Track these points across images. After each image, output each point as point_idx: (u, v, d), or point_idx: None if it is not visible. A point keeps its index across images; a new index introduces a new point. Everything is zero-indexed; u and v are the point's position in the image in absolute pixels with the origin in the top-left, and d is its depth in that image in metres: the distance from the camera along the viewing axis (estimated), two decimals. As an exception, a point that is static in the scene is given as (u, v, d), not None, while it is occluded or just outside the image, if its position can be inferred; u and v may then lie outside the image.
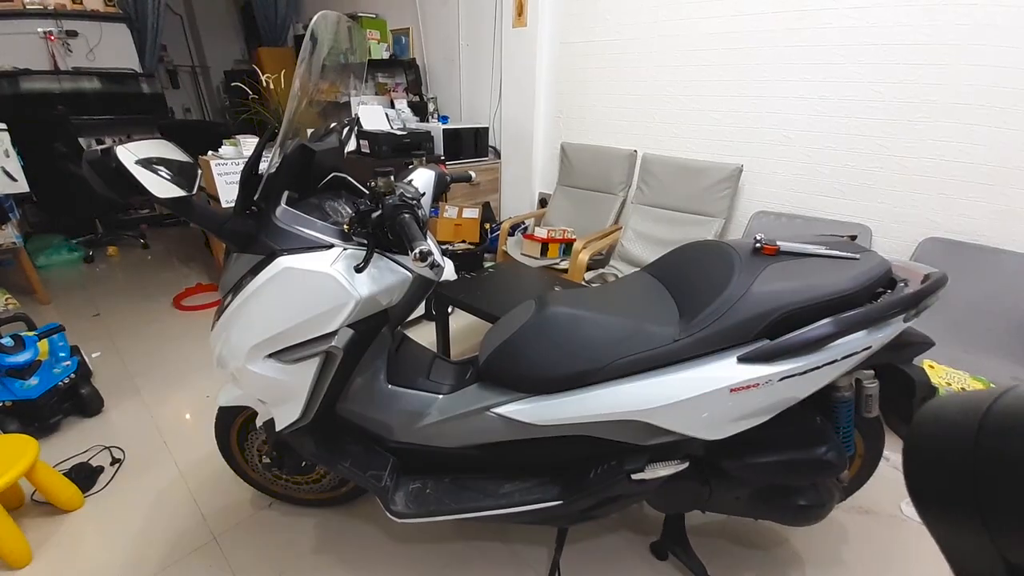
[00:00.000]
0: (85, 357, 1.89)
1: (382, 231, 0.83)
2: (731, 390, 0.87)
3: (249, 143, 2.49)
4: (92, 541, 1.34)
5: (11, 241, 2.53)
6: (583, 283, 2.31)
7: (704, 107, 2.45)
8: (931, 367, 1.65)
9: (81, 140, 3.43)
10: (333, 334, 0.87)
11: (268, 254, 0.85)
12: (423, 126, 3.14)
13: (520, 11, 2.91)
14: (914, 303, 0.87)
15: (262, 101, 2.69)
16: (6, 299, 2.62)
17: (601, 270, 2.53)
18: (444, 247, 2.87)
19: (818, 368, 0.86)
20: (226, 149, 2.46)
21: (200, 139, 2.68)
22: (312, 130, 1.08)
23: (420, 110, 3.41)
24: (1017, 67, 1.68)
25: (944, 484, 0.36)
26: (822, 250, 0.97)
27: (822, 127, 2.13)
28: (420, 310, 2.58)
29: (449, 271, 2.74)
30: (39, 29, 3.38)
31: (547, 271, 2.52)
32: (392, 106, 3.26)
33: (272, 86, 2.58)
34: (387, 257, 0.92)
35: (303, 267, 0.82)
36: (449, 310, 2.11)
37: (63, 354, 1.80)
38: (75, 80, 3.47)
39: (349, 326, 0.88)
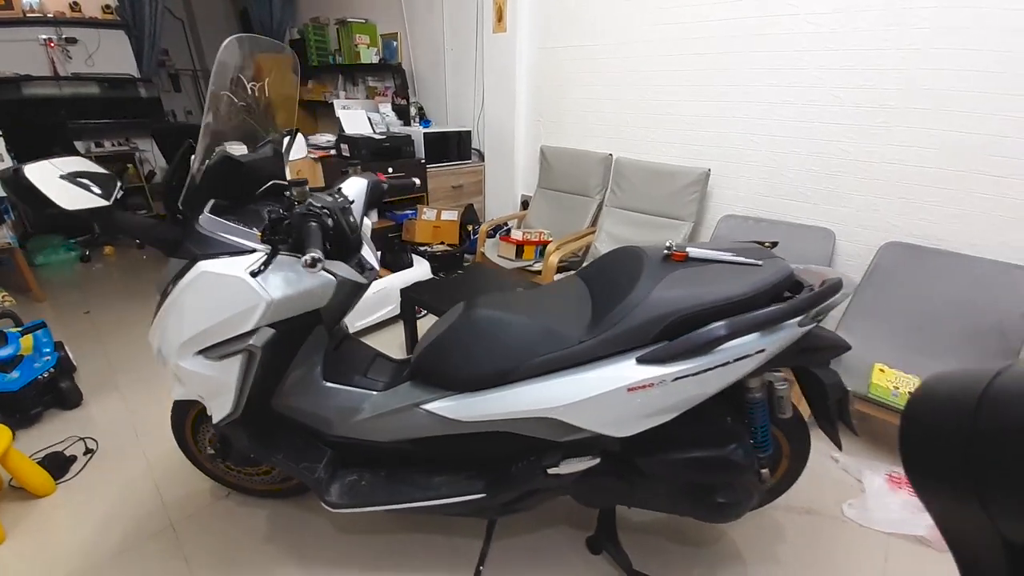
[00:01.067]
0: (68, 353, 1.98)
1: (291, 237, 0.89)
2: (628, 389, 0.92)
3: (234, 148, 2.56)
4: (61, 525, 1.42)
5: (6, 242, 2.64)
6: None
7: (674, 112, 2.48)
8: (881, 371, 1.67)
9: (79, 144, 3.56)
10: (251, 333, 0.93)
11: (191, 259, 0.91)
12: (405, 130, 3.20)
13: (500, 17, 2.96)
14: (806, 308, 0.90)
15: (248, 108, 2.76)
16: (2, 296, 2.74)
17: (572, 272, 2.57)
18: (423, 248, 2.93)
19: (712, 369, 0.90)
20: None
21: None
22: (265, 134, 1.14)
23: (404, 114, 3.48)
24: (973, 70, 1.69)
25: (941, 460, 0.36)
26: (728, 256, 1.01)
27: (786, 132, 2.16)
28: (396, 309, 2.64)
29: (424, 272, 2.80)
30: (40, 36, 3.51)
31: (518, 273, 2.57)
32: (377, 110, 3.33)
33: (257, 94, 2.65)
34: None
35: (217, 271, 0.88)
36: (419, 312, 2.17)
37: (46, 349, 1.89)
38: (75, 85, 3.59)
39: (270, 325, 0.94)
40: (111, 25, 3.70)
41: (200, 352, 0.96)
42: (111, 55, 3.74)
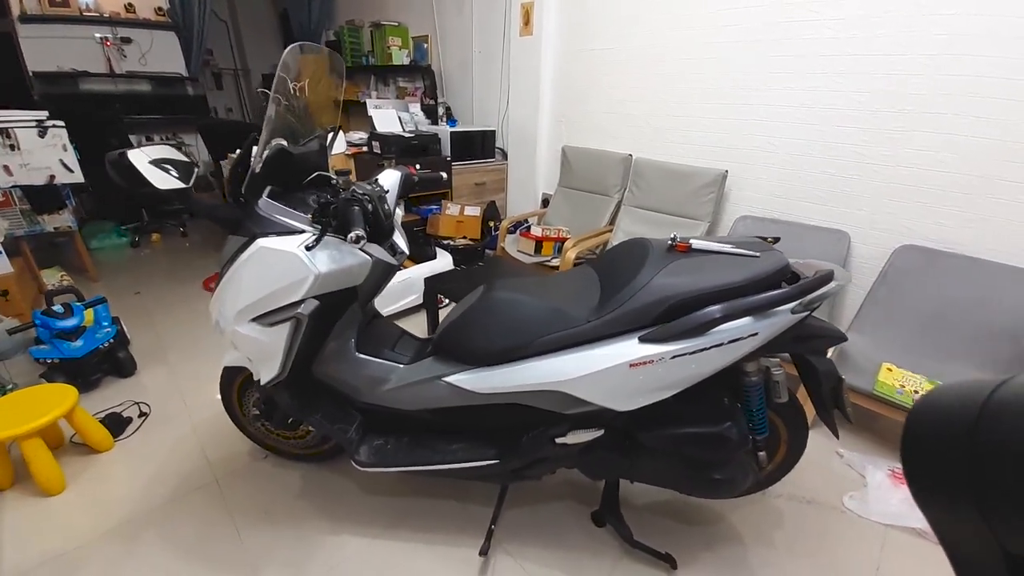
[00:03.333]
0: (123, 327, 2.18)
1: (336, 219, 1.01)
2: (630, 365, 1.01)
3: (280, 143, 2.75)
4: (117, 477, 1.59)
5: (67, 225, 2.88)
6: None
7: (694, 114, 2.54)
8: (889, 370, 1.70)
9: (132, 137, 3.83)
10: (299, 303, 1.06)
11: (250, 236, 1.05)
12: (432, 129, 3.34)
13: (527, 21, 3.07)
14: (797, 295, 0.97)
15: (298, 107, 2.95)
16: (61, 276, 2.99)
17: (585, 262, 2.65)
18: (446, 242, 3.06)
19: (707, 349, 0.99)
20: (255, 149, 2.73)
21: (234, 138, 2.97)
22: (304, 135, 1.27)
23: (432, 113, 3.62)
24: (991, 76, 1.71)
25: (942, 471, 0.36)
26: (727, 248, 1.09)
27: (804, 135, 2.20)
28: (419, 298, 2.77)
29: (446, 264, 2.93)
30: (96, 35, 3.79)
31: (537, 267, 2.67)
32: (407, 110, 3.49)
33: (298, 93, 2.83)
34: (342, 240, 1.10)
35: (274, 247, 1.02)
36: (442, 301, 2.30)
37: (105, 322, 2.09)
38: (129, 82, 3.87)
39: (315, 297, 1.07)
40: (163, 26, 3.97)
41: (254, 319, 1.10)
42: (162, 55, 4.02)
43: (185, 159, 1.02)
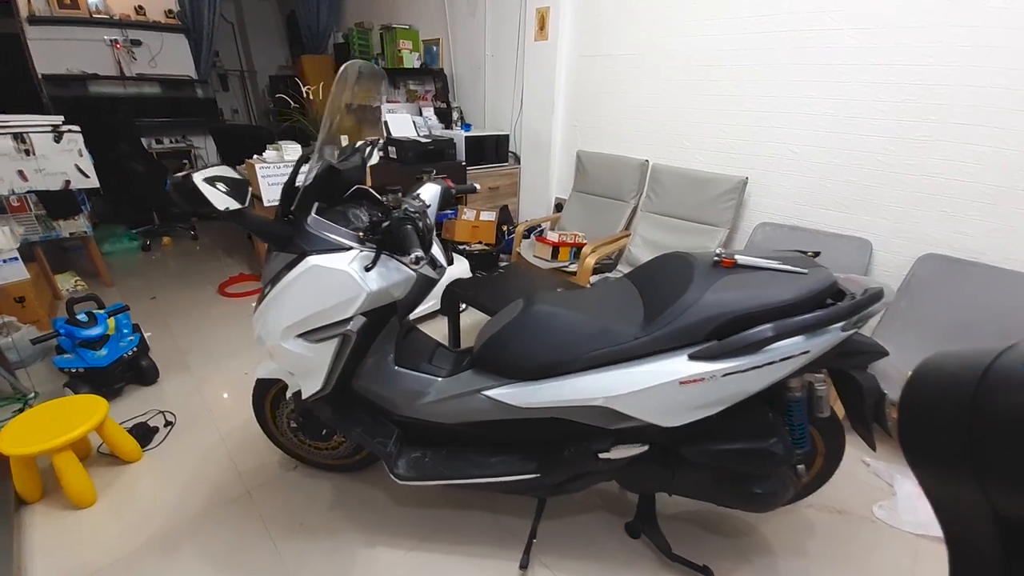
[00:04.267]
0: (144, 334, 2.17)
1: (389, 238, 1.01)
2: (680, 383, 1.01)
3: (290, 149, 2.75)
4: (147, 488, 1.59)
5: (83, 230, 2.87)
6: (587, 286, 2.45)
7: (713, 120, 2.54)
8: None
9: (143, 140, 3.81)
10: (348, 320, 1.06)
11: (300, 253, 1.05)
12: (447, 133, 3.34)
13: (542, 26, 3.06)
14: (848, 314, 0.98)
15: (303, 110, 2.95)
16: (75, 281, 2.98)
17: (607, 274, 2.66)
18: (461, 247, 3.06)
19: (759, 367, 0.99)
20: (269, 154, 2.73)
21: (246, 143, 2.96)
22: (340, 149, 1.27)
23: (445, 118, 3.62)
24: (1016, 88, 1.72)
25: (940, 437, 0.36)
26: (774, 264, 1.09)
27: (826, 143, 2.20)
28: (436, 305, 2.77)
29: (464, 269, 2.94)
30: (105, 37, 3.77)
31: (555, 273, 2.67)
32: (420, 113, 3.48)
33: (312, 97, 2.83)
34: (395, 259, 1.10)
35: (326, 265, 1.02)
36: (461, 307, 2.30)
37: (126, 330, 2.08)
38: (139, 85, 3.85)
39: (362, 314, 1.07)
40: (173, 29, 3.95)
41: (301, 335, 1.10)
42: (172, 57, 4.00)
43: (238, 176, 1.02)
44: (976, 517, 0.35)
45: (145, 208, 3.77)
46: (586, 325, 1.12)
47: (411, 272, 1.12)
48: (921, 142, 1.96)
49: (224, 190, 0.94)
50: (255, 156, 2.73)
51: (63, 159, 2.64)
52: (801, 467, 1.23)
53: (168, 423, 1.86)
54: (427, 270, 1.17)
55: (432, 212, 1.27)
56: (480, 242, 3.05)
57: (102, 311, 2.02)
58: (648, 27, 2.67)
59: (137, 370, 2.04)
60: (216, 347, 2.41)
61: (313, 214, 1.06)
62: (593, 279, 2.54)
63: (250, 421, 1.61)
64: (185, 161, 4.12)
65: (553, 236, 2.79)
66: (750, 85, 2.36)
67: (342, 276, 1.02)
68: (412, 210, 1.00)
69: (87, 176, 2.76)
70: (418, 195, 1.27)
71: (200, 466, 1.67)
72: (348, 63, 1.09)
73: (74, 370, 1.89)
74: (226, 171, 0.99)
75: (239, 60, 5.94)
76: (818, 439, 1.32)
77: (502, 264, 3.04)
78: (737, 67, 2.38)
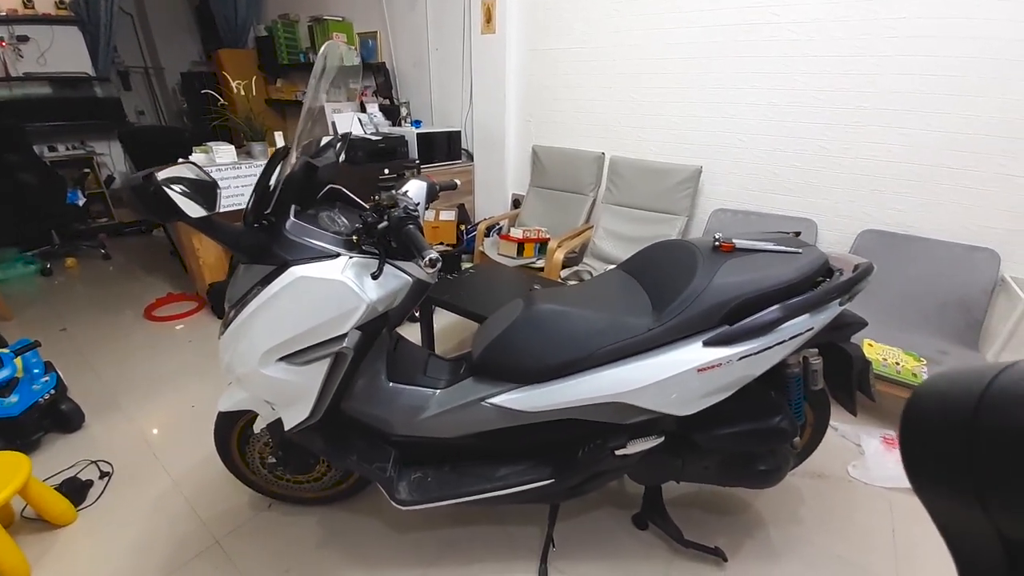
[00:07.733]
0: (59, 373, 1.85)
1: (391, 240, 0.91)
2: (698, 370, 1.00)
3: (222, 150, 2.47)
4: (90, 553, 1.35)
5: (-35, 256, 2.41)
6: (559, 280, 2.43)
7: (665, 112, 2.61)
8: (870, 345, 1.85)
9: (35, 148, 3.28)
10: (343, 336, 0.94)
11: (280, 264, 0.91)
12: (396, 130, 3.18)
13: (489, 19, 2.99)
14: (847, 289, 1.02)
15: (231, 107, 2.67)
16: (-38, 317, 2.50)
17: (576, 268, 2.66)
18: (422, 249, 2.93)
19: (771, 348, 1.00)
20: (197, 156, 2.44)
21: (165, 146, 2.63)
22: (306, 143, 1.13)
23: (392, 114, 3.45)
24: (936, 75, 1.91)
25: (941, 458, 0.36)
26: (771, 246, 1.11)
27: (771, 131, 2.33)
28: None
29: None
30: (-12, 35, 3.21)
31: (524, 270, 2.63)
32: (363, 110, 3.28)
33: (243, 92, 2.57)
34: (389, 263, 1.00)
35: (316, 275, 0.89)
36: (432, 310, 2.19)
37: (38, 370, 1.76)
38: (25, 86, 3.31)
39: (358, 328, 0.96)
40: (65, 21, 3.43)
41: (283, 359, 0.96)
42: (65, 53, 3.47)
43: (206, 179, 0.86)
44: (980, 537, 0.34)
45: (42, 226, 3.25)
46: (596, 320, 1.08)
47: (407, 277, 1.02)
48: (854, 128, 2.13)
49: (185, 192, 0.79)
50: (180, 160, 2.42)
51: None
52: (797, 439, 1.27)
53: (104, 474, 1.59)
54: (422, 274, 1.07)
55: (422, 210, 1.17)
56: (441, 243, 2.94)
57: (5, 350, 1.69)
58: (596, 22, 2.69)
59: (56, 416, 1.73)
60: (150, 379, 2.12)
61: (292, 217, 0.93)
62: (563, 273, 2.52)
63: (208, 460, 1.41)
64: (87, 171, 3.59)
65: (517, 233, 2.74)
66: (698, 77, 2.45)
67: (336, 287, 0.90)
68: (412, 208, 0.90)
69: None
70: (406, 192, 1.16)
71: (152, 520, 1.44)
72: (328, 43, 0.96)
73: (-25, 424, 1.57)
74: (189, 171, 0.84)
75: (142, 56, 5.31)
76: (808, 411, 1.38)
77: (465, 264, 2.94)
78: (684, 60, 2.46)
